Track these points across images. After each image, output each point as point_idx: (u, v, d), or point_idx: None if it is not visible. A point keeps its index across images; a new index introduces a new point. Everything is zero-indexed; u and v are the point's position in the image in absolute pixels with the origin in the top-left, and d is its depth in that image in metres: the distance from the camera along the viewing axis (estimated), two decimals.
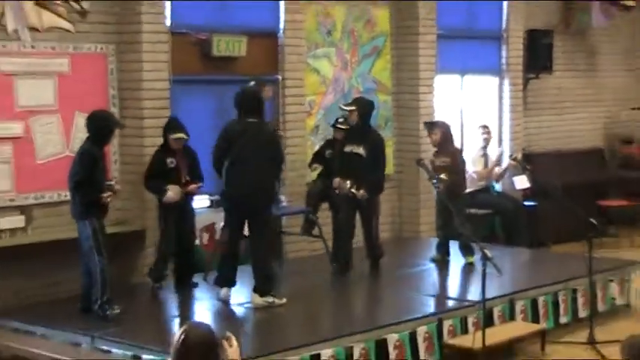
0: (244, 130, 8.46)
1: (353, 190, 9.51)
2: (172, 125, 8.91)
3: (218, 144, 8.57)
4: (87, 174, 7.85)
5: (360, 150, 9.59)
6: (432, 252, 10.38)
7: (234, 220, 8.65)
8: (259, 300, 8.42)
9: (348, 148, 9.68)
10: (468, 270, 9.82)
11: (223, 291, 8.51)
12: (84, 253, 7.97)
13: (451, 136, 10.46)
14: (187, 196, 8.99)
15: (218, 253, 9.04)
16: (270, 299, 8.42)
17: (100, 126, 8.06)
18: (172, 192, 8.70)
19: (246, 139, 8.41)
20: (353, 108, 9.74)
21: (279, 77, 10.51)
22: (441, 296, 9.09)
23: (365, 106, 9.85)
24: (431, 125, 10.53)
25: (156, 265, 8.99)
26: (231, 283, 8.54)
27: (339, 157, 9.84)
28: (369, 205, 9.68)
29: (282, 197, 10.28)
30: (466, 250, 10.10)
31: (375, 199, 9.81)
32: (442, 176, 9.65)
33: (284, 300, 8.52)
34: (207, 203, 10.09)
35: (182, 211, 8.96)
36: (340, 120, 10.18)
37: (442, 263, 10.19)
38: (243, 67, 10.25)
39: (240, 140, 8.41)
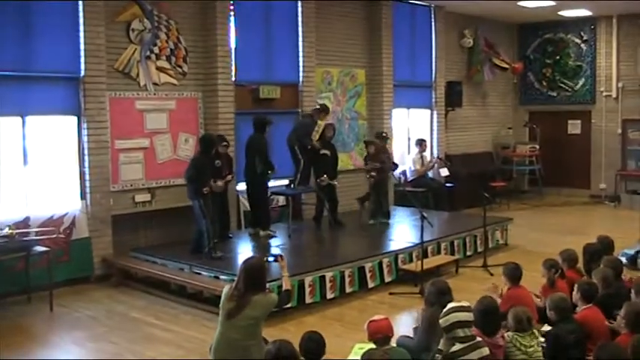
0: (249, 139, 8.82)
1: (330, 182, 9.60)
2: (221, 138, 8.60)
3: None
4: (195, 173, 7.72)
5: (328, 152, 9.70)
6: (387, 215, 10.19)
7: (248, 187, 8.96)
8: (264, 232, 8.80)
9: (322, 152, 9.64)
10: (411, 224, 9.74)
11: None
12: (196, 218, 7.79)
13: (382, 149, 10.04)
14: (226, 184, 8.52)
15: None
16: (269, 232, 8.83)
17: (207, 144, 7.95)
18: (219, 183, 8.17)
19: (247, 144, 8.80)
20: (333, 129, 9.92)
21: (300, 110, 10.42)
22: (396, 240, 9.02)
23: (336, 128, 10.18)
24: (367, 143, 10.24)
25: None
26: (257, 224, 8.89)
27: (317, 157, 9.58)
28: (334, 188, 9.79)
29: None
30: (385, 215, 9.97)
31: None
32: (372, 173, 9.76)
33: (275, 231, 8.95)
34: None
35: (223, 193, 8.48)
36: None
37: (383, 223, 9.79)
38: (278, 105, 10.17)
39: (247, 144, 8.83)
